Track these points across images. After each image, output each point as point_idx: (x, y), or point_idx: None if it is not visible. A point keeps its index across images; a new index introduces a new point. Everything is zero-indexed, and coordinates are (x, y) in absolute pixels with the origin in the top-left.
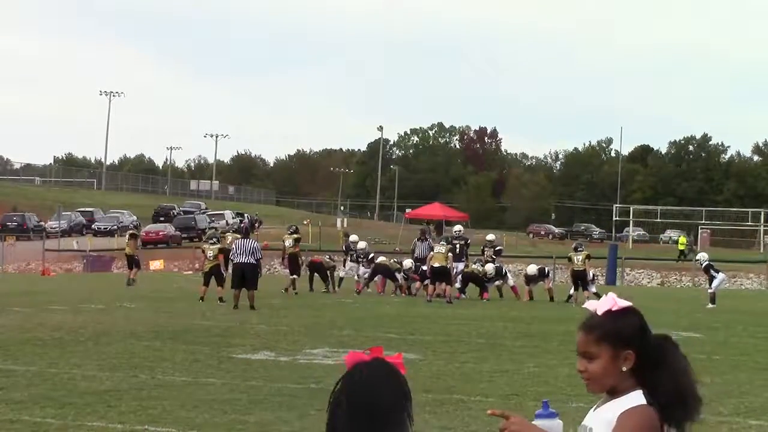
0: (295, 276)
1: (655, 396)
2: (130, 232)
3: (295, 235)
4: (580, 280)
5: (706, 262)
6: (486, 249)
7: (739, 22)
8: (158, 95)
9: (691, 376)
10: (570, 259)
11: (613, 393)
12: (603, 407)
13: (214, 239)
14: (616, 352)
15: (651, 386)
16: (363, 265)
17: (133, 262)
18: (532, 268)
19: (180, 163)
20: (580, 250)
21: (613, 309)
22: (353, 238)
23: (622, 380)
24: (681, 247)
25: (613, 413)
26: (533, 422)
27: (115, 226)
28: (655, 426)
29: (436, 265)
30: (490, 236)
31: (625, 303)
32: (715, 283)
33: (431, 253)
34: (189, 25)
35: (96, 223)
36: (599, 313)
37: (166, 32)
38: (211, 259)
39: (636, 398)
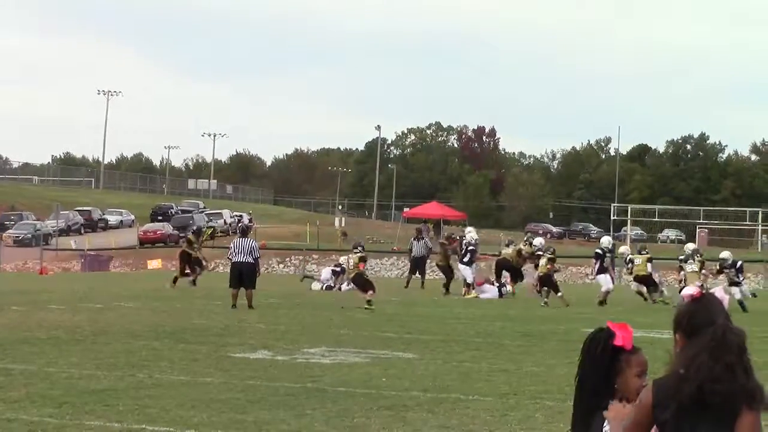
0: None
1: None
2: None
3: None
4: (642, 282)
5: (739, 262)
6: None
7: (737, 22)
8: (156, 94)
9: None
10: (632, 262)
11: None
12: None
13: (359, 247)
14: (674, 335)
15: None
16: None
17: (196, 264)
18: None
19: (177, 163)
20: (644, 253)
21: (686, 298)
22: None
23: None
24: None
25: None
26: None
27: (30, 234)
28: (642, 403)
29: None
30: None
31: (691, 292)
32: (743, 288)
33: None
34: (187, 25)
35: (11, 231)
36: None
37: (163, 31)
38: (352, 268)
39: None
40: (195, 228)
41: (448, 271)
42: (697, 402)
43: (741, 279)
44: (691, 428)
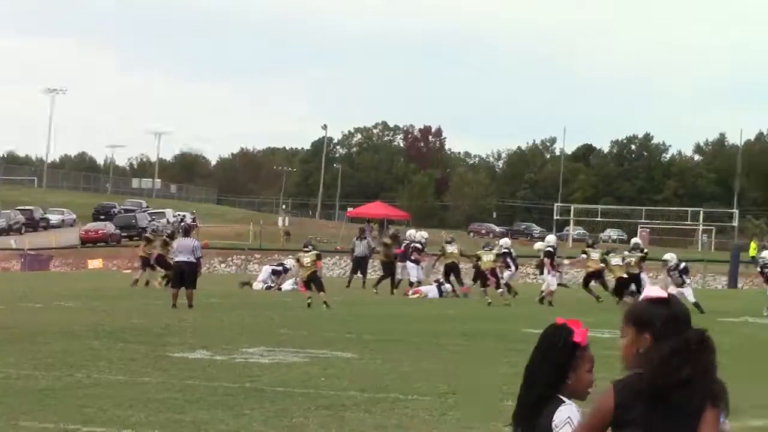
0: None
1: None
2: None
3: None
4: (594, 278)
5: (683, 264)
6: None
7: (681, 23)
8: (101, 93)
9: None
10: (586, 254)
11: None
12: None
13: (310, 246)
14: (638, 334)
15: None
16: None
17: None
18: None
19: (122, 162)
20: (596, 248)
21: (654, 297)
22: (412, 232)
23: (635, 360)
24: (752, 254)
25: None
26: None
27: None
28: (602, 406)
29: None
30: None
31: (659, 294)
32: (687, 293)
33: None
34: (133, 21)
35: None
36: (643, 298)
37: (109, 28)
38: (309, 265)
39: (620, 379)
40: (170, 231)
41: (392, 269)
42: (667, 401)
43: (686, 281)
44: (659, 426)
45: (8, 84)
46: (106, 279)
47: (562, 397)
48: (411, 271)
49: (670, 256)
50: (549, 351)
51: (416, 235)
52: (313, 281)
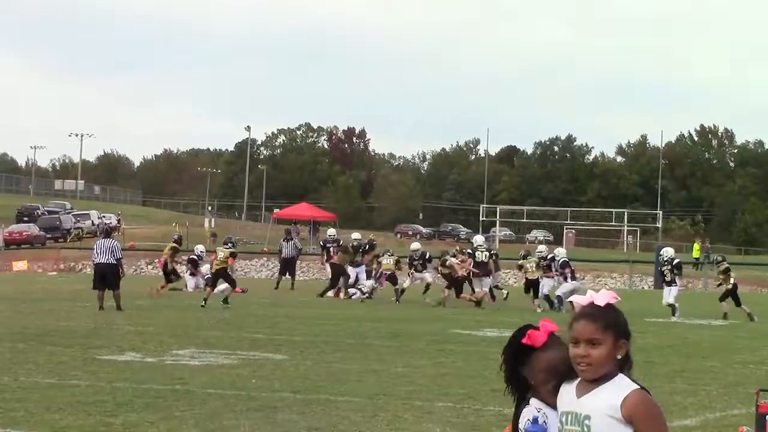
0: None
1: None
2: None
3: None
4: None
5: (563, 259)
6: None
7: (603, 28)
8: (22, 93)
9: None
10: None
11: (598, 379)
12: (594, 393)
13: (230, 243)
14: (617, 340)
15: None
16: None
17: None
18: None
19: (44, 163)
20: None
21: (612, 302)
22: (331, 231)
23: (612, 367)
24: (696, 255)
25: (614, 397)
26: None
27: None
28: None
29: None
30: (415, 245)
31: (615, 297)
32: (565, 287)
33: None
34: (51, 23)
35: None
36: (600, 304)
37: (28, 29)
38: (221, 260)
39: (628, 381)
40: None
41: (345, 273)
42: None
43: (558, 273)
44: None
45: None
46: (31, 281)
47: (533, 398)
48: (353, 273)
49: (544, 248)
50: (504, 351)
51: (350, 238)
52: (221, 277)
